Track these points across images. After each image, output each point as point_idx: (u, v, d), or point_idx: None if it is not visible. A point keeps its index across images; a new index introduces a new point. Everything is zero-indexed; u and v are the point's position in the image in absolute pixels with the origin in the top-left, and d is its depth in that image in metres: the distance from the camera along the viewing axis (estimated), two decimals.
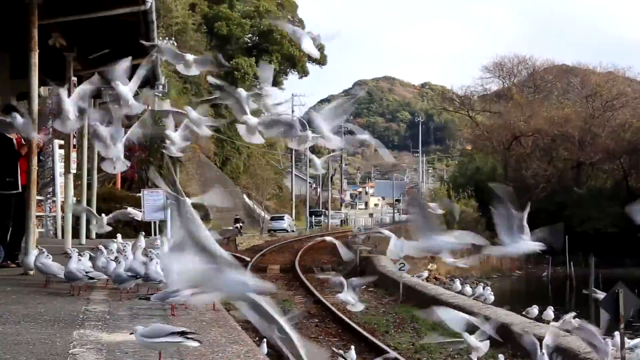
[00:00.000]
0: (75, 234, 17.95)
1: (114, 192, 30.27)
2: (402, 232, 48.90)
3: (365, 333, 19.24)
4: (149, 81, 18.74)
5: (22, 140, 12.55)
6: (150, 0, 13.37)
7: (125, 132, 8.44)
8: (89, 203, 20.00)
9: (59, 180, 21.37)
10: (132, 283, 9.63)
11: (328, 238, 15.68)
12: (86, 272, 9.79)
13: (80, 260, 9.87)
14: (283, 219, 74.98)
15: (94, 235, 20.20)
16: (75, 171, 17.43)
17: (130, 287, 9.72)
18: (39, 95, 13.21)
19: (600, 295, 9.91)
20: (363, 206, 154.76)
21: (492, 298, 20.53)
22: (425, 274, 29.77)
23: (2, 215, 12.69)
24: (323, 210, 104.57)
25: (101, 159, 8.44)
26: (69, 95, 8.18)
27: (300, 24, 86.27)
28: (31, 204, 11.97)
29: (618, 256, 55.43)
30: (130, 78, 8.26)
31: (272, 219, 76.18)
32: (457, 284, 23.83)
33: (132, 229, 26.24)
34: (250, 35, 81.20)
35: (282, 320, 4.36)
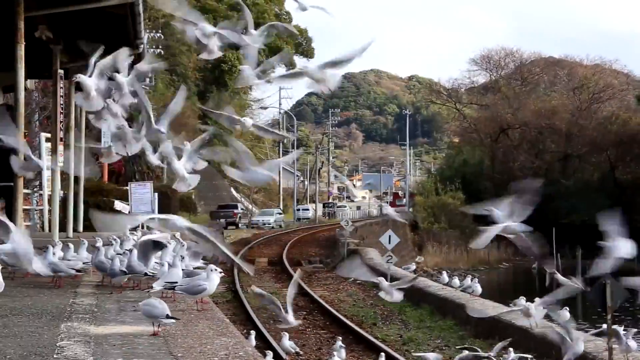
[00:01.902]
0: (62, 227, 17.89)
1: (102, 185, 30.18)
2: (390, 224, 48.85)
3: (353, 325, 19.27)
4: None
5: None
6: None
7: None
8: (76, 196, 19.93)
9: (46, 174, 21.29)
10: (125, 277, 9.63)
11: None
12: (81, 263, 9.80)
13: (54, 253, 9.88)
14: (308, 210, 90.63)
15: (80, 229, 20.16)
16: (62, 164, 17.36)
17: (123, 281, 9.72)
18: (25, 88, 13.15)
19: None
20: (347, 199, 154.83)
21: (479, 290, 20.56)
22: (413, 266, 29.75)
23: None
24: (334, 202, 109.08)
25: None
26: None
27: (288, 16, 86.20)
28: (18, 197, 11.94)
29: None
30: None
31: (324, 205, 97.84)
32: (445, 276, 23.86)
33: None
34: (237, 27, 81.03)
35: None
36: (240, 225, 63.33)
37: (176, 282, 8.56)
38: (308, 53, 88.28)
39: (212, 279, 8.41)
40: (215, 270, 8.50)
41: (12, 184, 12.39)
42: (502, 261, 58.51)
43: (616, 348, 11.51)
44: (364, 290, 27.55)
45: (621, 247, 8.73)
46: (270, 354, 12.89)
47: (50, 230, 17.10)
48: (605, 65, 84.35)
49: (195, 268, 9.61)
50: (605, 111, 75.41)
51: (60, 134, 16.90)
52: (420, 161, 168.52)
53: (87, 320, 7.60)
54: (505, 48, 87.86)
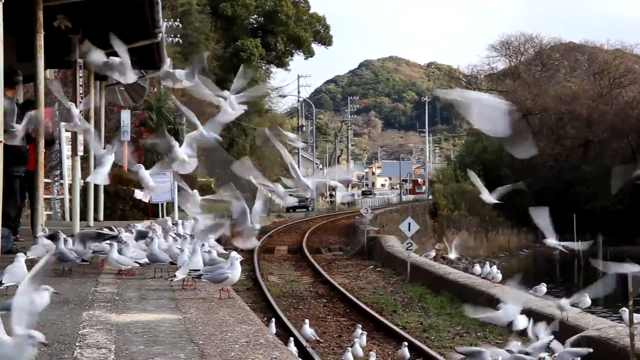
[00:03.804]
0: (83, 217, 17.97)
1: (121, 174, 30.26)
2: (409, 212, 48.62)
3: (373, 312, 19.29)
4: (154, 63, 18.72)
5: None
6: None
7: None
8: (96, 185, 20.02)
9: (66, 163, 21.40)
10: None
11: None
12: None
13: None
14: (353, 195, 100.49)
15: (101, 218, 20.26)
16: (82, 154, 17.44)
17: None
18: (45, 78, 13.21)
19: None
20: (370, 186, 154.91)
21: (500, 277, 20.56)
22: (433, 253, 29.75)
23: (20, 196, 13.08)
24: (372, 190, 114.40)
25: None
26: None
27: (306, 4, 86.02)
28: (39, 187, 11.99)
29: (626, 233, 55.34)
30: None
31: (364, 193, 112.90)
32: (477, 267, 23.61)
33: (140, 211, 26.33)
34: (255, 16, 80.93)
35: None
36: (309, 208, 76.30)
37: (198, 270, 8.58)
38: (326, 41, 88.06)
39: (236, 267, 8.42)
40: (238, 258, 8.50)
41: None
42: (522, 248, 58.36)
43: (637, 334, 11.45)
44: (384, 278, 27.56)
45: None
46: (292, 340, 12.96)
47: (71, 219, 17.19)
48: (626, 50, 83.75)
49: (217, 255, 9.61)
50: (626, 96, 74.95)
51: None
52: (440, 148, 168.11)
53: (109, 308, 7.63)
54: (524, 34, 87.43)
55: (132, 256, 9.65)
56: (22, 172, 11.85)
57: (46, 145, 14.25)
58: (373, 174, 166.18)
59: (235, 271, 8.39)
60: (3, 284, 7.42)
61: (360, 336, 14.12)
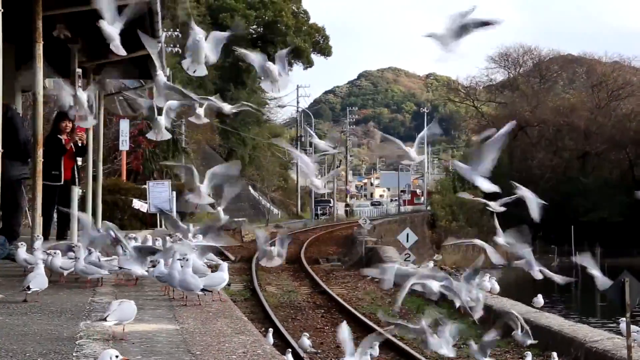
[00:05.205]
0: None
1: (120, 183, 30.28)
2: (408, 222, 48.46)
3: (370, 323, 19.27)
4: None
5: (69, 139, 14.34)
6: None
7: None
8: (94, 195, 20.00)
9: None
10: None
11: None
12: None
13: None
14: (380, 203, 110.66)
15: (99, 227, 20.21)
16: (80, 163, 17.43)
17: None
18: (44, 87, 13.23)
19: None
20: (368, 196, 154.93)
21: (497, 288, 20.54)
22: (431, 264, 29.68)
23: (46, 204, 13.33)
24: (380, 200, 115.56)
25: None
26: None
27: (305, 14, 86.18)
28: (37, 195, 11.97)
29: (624, 245, 55.30)
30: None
31: (373, 204, 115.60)
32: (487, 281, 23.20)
33: (138, 220, 26.31)
34: (255, 26, 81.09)
35: None
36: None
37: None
38: (325, 51, 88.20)
39: (223, 269, 8.78)
40: (227, 265, 8.84)
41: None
42: (520, 259, 58.34)
43: (634, 346, 11.46)
44: (382, 289, 27.53)
45: None
46: (290, 351, 12.93)
47: (69, 229, 17.16)
48: (624, 63, 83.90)
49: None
50: (624, 108, 75.04)
51: None
52: (439, 159, 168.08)
53: None
54: (523, 45, 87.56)
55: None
56: (26, 174, 12.26)
57: (79, 156, 15.57)
58: (372, 184, 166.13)
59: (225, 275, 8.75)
60: (31, 288, 8.19)
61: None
